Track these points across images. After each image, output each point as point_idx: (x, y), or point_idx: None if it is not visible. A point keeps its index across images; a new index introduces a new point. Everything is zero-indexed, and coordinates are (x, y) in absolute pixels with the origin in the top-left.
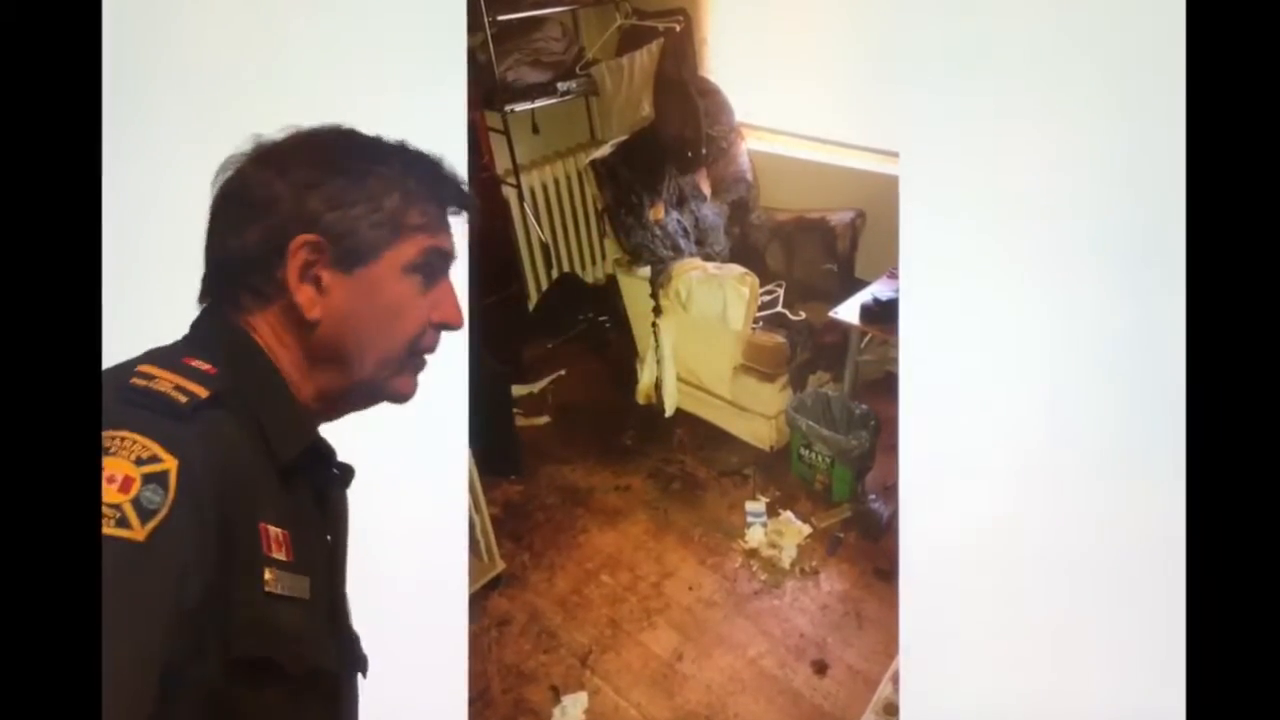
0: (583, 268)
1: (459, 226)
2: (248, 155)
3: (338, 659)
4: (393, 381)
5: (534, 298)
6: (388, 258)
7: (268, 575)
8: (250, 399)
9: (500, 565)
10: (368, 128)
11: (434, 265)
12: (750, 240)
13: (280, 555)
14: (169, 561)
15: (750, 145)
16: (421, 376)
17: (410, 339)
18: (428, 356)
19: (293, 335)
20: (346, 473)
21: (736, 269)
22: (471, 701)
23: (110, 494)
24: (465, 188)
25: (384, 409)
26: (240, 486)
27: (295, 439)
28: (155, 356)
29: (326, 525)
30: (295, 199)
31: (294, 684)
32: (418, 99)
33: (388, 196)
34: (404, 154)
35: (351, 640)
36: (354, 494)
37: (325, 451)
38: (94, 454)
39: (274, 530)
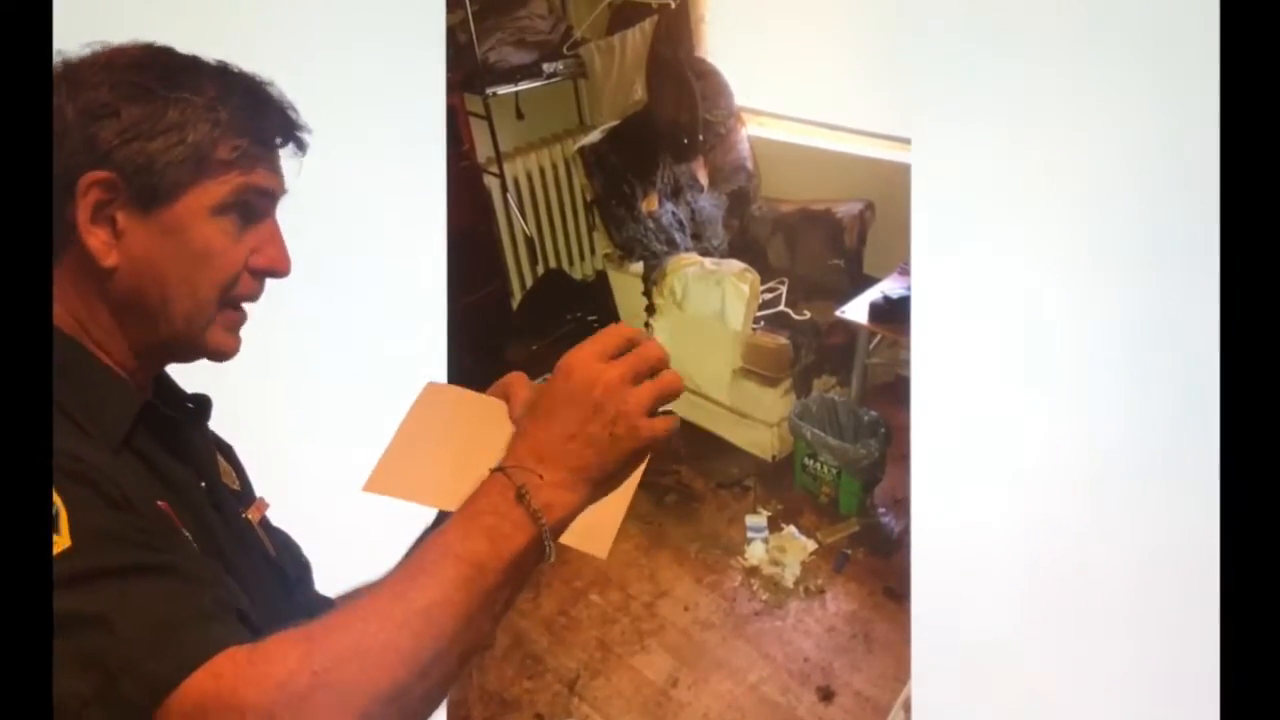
0: (570, 263)
1: (294, 162)
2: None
3: (257, 609)
4: (207, 336)
5: (518, 296)
6: (191, 197)
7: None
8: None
9: None
10: (342, 112)
11: (251, 206)
12: (750, 233)
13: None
14: (113, 532)
15: (751, 131)
16: (399, 381)
17: (220, 287)
18: (249, 307)
19: (91, 286)
20: (202, 406)
21: (736, 265)
22: None
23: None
24: (294, 116)
25: (362, 413)
26: (114, 475)
27: (117, 417)
28: None
29: (196, 473)
30: (84, 129)
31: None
32: (393, 81)
33: (193, 128)
34: (222, 77)
35: (268, 578)
36: (333, 508)
37: (172, 397)
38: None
39: (163, 505)
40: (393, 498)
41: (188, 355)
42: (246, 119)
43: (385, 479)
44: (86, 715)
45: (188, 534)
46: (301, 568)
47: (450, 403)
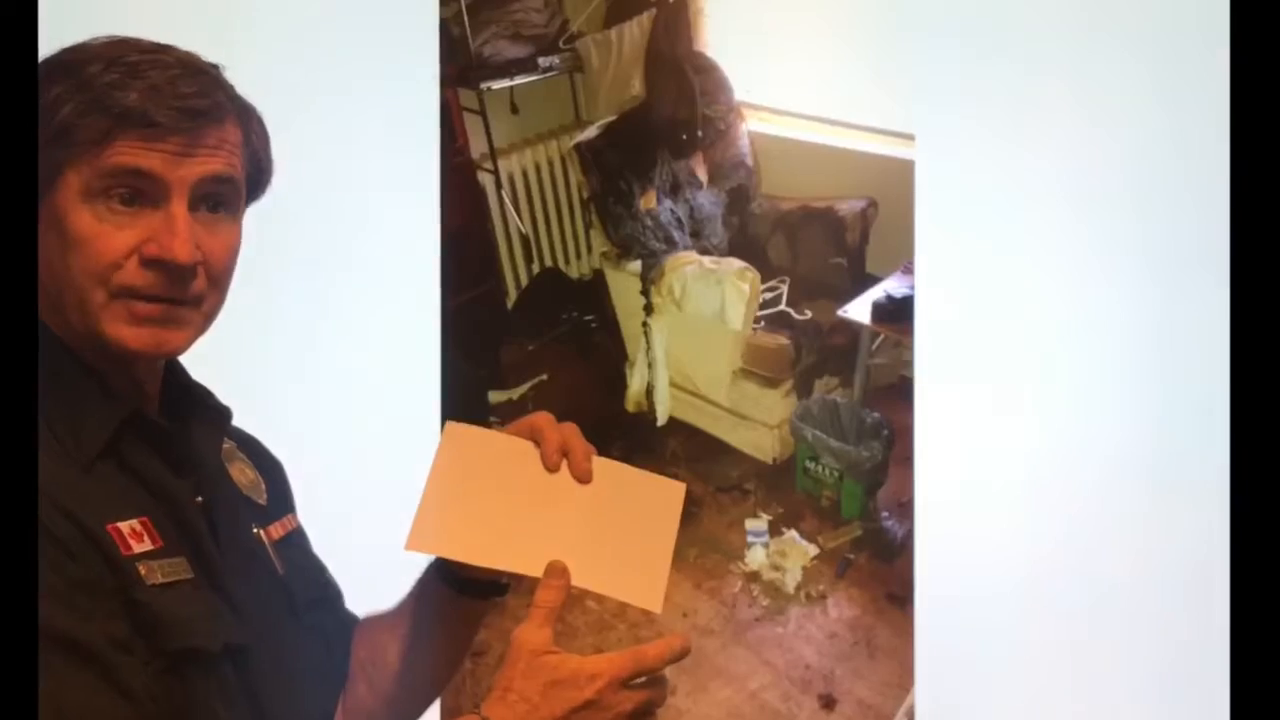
0: (566, 262)
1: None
2: None
3: (246, 628)
4: (102, 329)
5: (513, 295)
6: (65, 181)
7: (143, 570)
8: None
9: None
10: (333, 107)
11: (131, 188)
12: (751, 231)
13: (145, 546)
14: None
15: (751, 127)
16: (393, 381)
17: (97, 276)
18: (153, 303)
19: None
20: (216, 416)
21: (736, 263)
22: None
23: None
24: (182, 86)
25: (355, 413)
26: (63, 493)
27: (95, 429)
28: None
29: (194, 488)
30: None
31: (214, 663)
32: (386, 76)
33: (60, 109)
34: (107, 52)
35: (279, 594)
36: (322, 510)
37: (187, 405)
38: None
39: (126, 526)
40: (437, 555)
41: (105, 351)
42: (116, 95)
43: (427, 536)
44: None
45: (155, 559)
46: (318, 589)
47: (478, 446)
